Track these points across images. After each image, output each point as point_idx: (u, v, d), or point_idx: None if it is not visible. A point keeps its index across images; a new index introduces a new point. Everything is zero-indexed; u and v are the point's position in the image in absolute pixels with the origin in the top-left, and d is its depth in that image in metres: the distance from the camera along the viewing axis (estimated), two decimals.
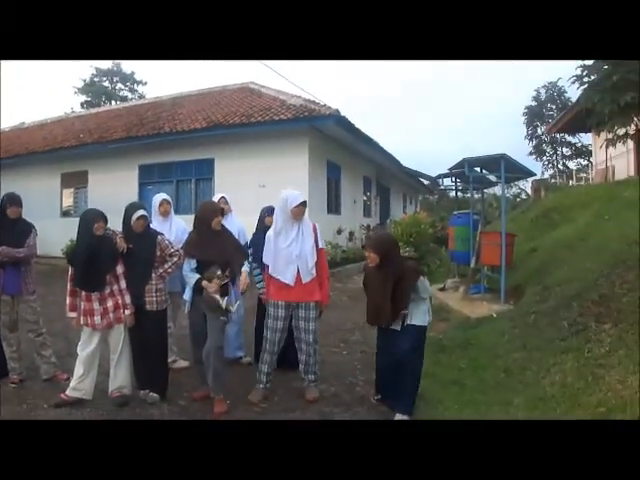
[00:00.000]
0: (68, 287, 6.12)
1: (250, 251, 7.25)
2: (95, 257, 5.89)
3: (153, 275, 6.21)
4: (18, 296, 6.75)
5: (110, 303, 6.06)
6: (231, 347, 7.46)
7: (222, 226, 6.12)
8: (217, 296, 5.78)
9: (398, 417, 5.48)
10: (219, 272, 5.83)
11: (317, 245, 6.27)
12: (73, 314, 6.10)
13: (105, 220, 6.03)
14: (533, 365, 6.56)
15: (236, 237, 6.60)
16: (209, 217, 5.96)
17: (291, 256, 6.05)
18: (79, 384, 6.02)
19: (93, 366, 6.11)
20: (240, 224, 7.26)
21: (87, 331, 6.11)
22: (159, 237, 6.28)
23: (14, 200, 6.79)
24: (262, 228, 7.19)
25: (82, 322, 6.07)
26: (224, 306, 5.79)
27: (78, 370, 6.03)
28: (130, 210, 6.22)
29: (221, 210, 6.26)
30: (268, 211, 7.26)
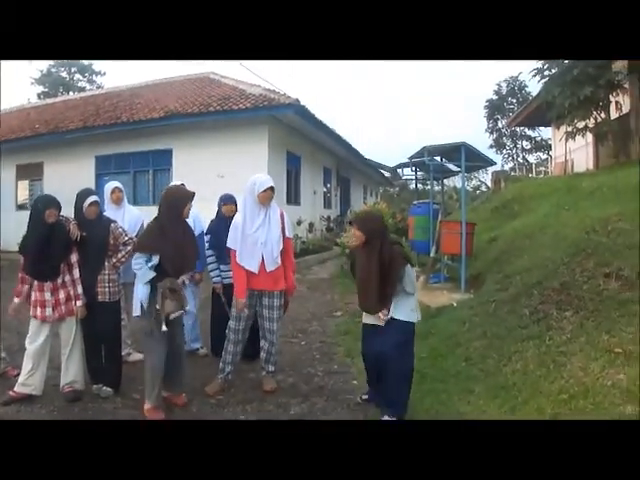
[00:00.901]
0: (19, 275, 5.90)
1: (207, 238, 7.08)
2: (47, 245, 5.65)
3: (106, 264, 6.03)
4: None
5: (62, 294, 5.81)
6: (188, 339, 7.28)
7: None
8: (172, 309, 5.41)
9: (385, 419, 5.23)
10: (179, 281, 5.54)
11: (284, 234, 6.06)
12: (17, 299, 5.88)
13: (58, 207, 5.77)
14: (494, 353, 6.51)
15: (191, 226, 6.34)
16: (181, 203, 5.55)
17: (257, 243, 5.84)
18: (28, 379, 5.77)
19: (43, 360, 5.87)
20: (196, 211, 7.11)
21: (36, 323, 5.83)
22: (112, 225, 6.09)
23: None
24: (220, 216, 7.14)
25: (31, 313, 5.82)
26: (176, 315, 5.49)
27: (27, 365, 5.78)
28: (82, 196, 5.99)
29: (193, 196, 5.80)
30: (225, 199, 7.21)
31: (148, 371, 5.49)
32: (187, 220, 5.84)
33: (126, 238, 6.08)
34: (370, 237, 5.34)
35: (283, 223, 6.06)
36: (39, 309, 5.78)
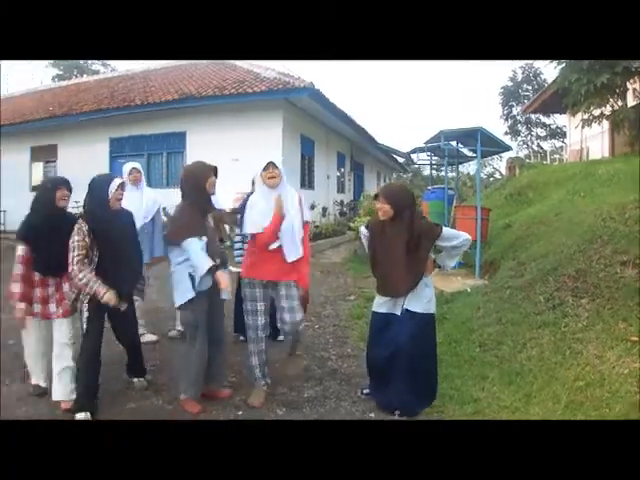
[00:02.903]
0: (18, 270, 5.08)
1: (237, 217, 6.68)
2: (57, 232, 4.91)
3: None
4: None
5: (66, 287, 5.18)
6: None
7: None
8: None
9: (397, 416, 4.91)
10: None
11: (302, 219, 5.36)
12: (22, 305, 5.04)
13: (69, 188, 5.18)
14: (508, 339, 6.49)
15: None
16: (202, 178, 5.11)
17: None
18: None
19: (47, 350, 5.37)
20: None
21: (34, 322, 5.26)
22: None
23: None
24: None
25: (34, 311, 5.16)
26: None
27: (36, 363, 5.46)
28: (102, 180, 5.09)
29: (215, 169, 5.33)
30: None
31: (193, 364, 5.16)
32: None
33: None
34: (399, 210, 4.90)
35: (301, 207, 5.38)
36: (41, 306, 5.17)
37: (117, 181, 4.98)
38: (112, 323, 5.35)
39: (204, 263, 4.90)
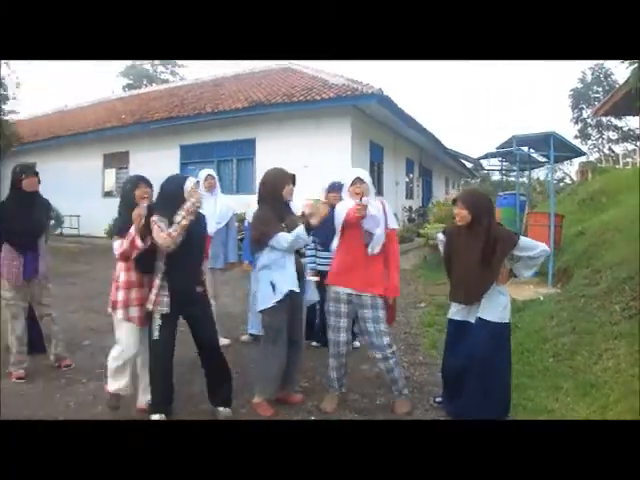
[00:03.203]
0: (122, 277, 4.98)
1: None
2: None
3: None
4: (33, 280, 6.13)
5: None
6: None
7: None
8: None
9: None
10: None
11: (386, 225, 5.23)
12: (124, 314, 4.92)
13: (149, 184, 5.08)
14: (583, 350, 6.35)
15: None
16: (279, 185, 5.22)
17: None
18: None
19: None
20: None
21: (131, 327, 4.98)
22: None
23: (30, 170, 6.03)
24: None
25: (123, 316, 4.93)
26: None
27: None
28: (177, 179, 5.13)
29: (293, 177, 5.40)
30: (332, 187, 6.93)
31: (271, 366, 5.18)
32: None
33: None
34: (477, 216, 4.85)
35: (385, 214, 5.27)
36: (136, 309, 4.95)
37: (192, 180, 4.99)
38: (192, 330, 5.19)
39: (301, 231, 4.96)
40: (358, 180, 5.21)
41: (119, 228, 4.96)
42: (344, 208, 5.13)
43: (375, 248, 5.12)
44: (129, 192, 5.00)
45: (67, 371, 6.23)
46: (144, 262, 4.92)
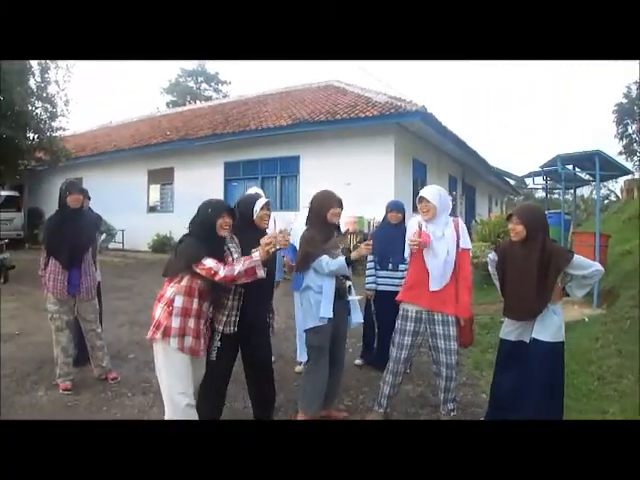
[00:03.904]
0: (179, 303, 4.33)
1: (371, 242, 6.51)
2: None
3: None
4: (77, 295, 6.20)
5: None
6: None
7: None
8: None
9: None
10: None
11: (458, 245, 5.10)
12: (179, 343, 4.30)
13: (232, 215, 4.61)
14: (629, 373, 6.23)
15: None
16: (324, 207, 5.14)
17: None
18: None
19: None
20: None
21: (187, 359, 4.39)
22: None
23: (74, 187, 6.10)
24: (385, 222, 6.99)
25: (177, 345, 4.27)
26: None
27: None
28: (249, 200, 5.04)
29: (339, 201, 5.27)
30: (392, 206, 6.94)
31: (315, 384, 5.16)
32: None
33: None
34: (532, 231, 4.71)
35: (457, 233, 5.14)
36: (192, 340, 4.36)
37: (262, 200, 4.94)
38: (247, 352, 5.02)
39: (341, 262, 4.95)
40: (423, 199, 5.09)
41: (199, 249, 4.36)
42: (411, 228, 5.17)
43: (433, 286, 5.05)
44: (211, 218, 4.48)
45: (113, 384, 6.31)
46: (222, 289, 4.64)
